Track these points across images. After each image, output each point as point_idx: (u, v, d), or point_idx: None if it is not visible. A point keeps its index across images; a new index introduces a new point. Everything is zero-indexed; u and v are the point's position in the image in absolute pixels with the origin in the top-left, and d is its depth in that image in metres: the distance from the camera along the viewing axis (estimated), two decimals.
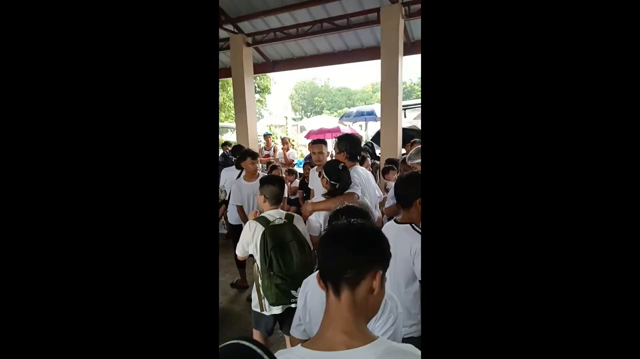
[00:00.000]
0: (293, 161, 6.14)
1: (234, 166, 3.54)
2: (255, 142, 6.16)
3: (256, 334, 1.92)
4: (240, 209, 3.01)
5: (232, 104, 8.21)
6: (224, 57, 6.69)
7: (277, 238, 1.76)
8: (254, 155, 3.05)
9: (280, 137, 8.22)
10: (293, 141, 9.86)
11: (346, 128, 9.20)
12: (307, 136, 9.24)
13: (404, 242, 1.39)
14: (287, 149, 6.27)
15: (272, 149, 6.49)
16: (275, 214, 1.88)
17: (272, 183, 1.94)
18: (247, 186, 2.97)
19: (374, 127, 8.33)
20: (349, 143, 2.31)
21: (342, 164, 2.06)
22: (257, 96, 14.17)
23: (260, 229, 1.79)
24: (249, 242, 1.83)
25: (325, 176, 2.00)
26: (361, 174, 2.24)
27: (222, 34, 5.79)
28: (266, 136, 6.82)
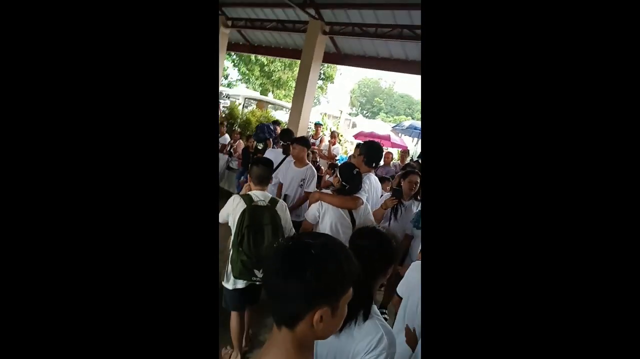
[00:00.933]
0: (336, 156, 6.11)
1: (280, 149, 3.54)
2: (305, 129, 6.20)
3: (234, 315, 1.98)
4: (279, 187, 3.03)
5: (293, 84, 8.30)
6: (297, 39, 6.75)
7: (254, 218, 1.84)
8: (302, 142, 2.99)
9: (330, 130, 8.20)
10: (342, 136, 9.81)
11: (397, 138, 9.01)
12: (356, 136, 9.17)
13: None
14: (334, 144, 6.24)
15: (319, 139, 6.50)
16: (260, 196, 1.94)
17: (257, 164, 2.00)
18: (294, 170, 2.98)
19: None
20: (368, 149, 2.41)
21: (357, 169, 2.13)
22: (320, 82, 14.22)
23: (242, 206, 1.87)
24: (229, 213, 1.91)
25: (338, 175, 2.10)
26: (373, 183, 2.35)
27: (302, 16, 5.83)
28: (317, 125, 6.83)
